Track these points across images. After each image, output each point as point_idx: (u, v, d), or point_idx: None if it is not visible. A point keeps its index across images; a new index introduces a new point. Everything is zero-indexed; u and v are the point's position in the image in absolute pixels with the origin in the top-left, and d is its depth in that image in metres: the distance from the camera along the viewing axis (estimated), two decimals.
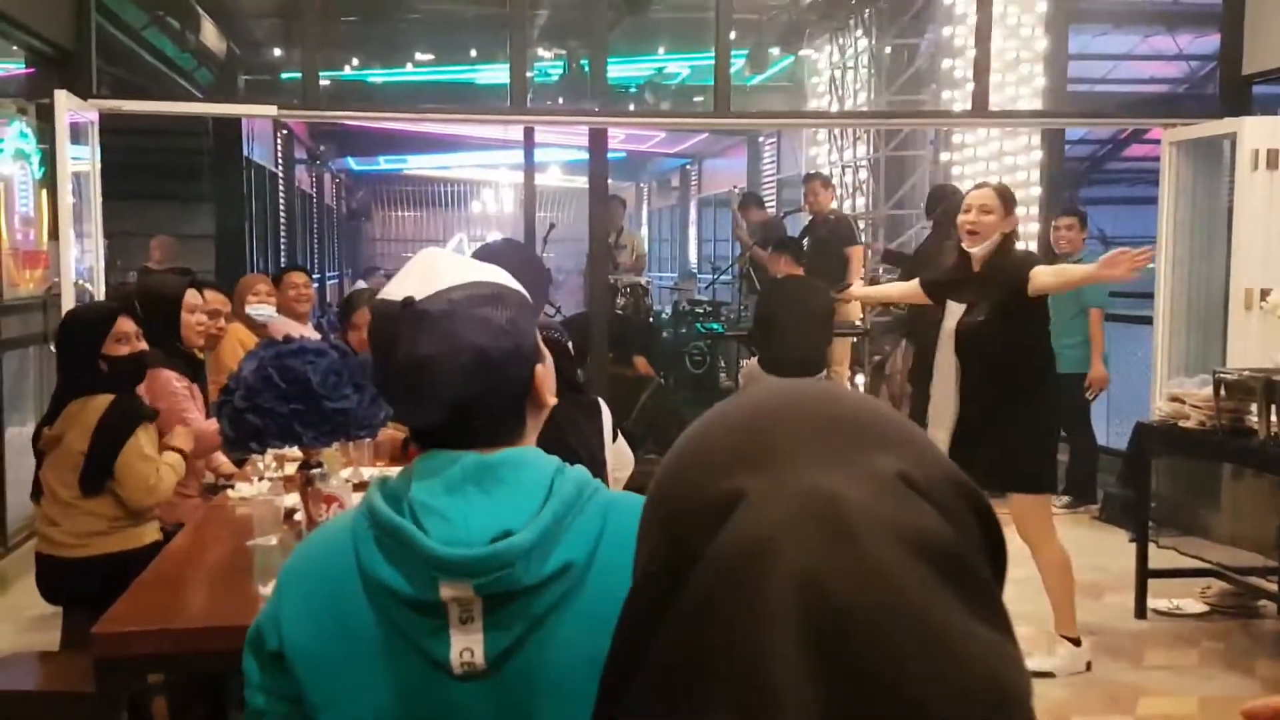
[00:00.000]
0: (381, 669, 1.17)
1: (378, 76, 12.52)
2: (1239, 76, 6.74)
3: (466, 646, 1.17)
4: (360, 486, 3.49)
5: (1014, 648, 0.53)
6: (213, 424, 3.29)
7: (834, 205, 8.64)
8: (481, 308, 1.26)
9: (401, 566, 1.17)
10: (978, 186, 4.48)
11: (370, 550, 1.19)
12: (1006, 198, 4.37)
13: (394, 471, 4.12)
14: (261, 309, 5.45)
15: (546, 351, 1.33)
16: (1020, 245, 7.85)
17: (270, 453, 3.44)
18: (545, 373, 1.32)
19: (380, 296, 1.29)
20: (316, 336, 4.70)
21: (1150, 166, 8.48)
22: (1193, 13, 9.36)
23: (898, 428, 0.59)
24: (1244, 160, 6.08)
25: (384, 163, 19.86)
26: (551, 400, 1.34)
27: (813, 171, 9.26)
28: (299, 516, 2.68)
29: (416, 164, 20.11)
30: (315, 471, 2.56)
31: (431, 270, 1.30)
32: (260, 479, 3.51)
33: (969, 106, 7.59)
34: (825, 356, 7.39)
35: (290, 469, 3.34)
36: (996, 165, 8.23)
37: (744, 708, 0.49)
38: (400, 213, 22.71)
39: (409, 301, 1.25)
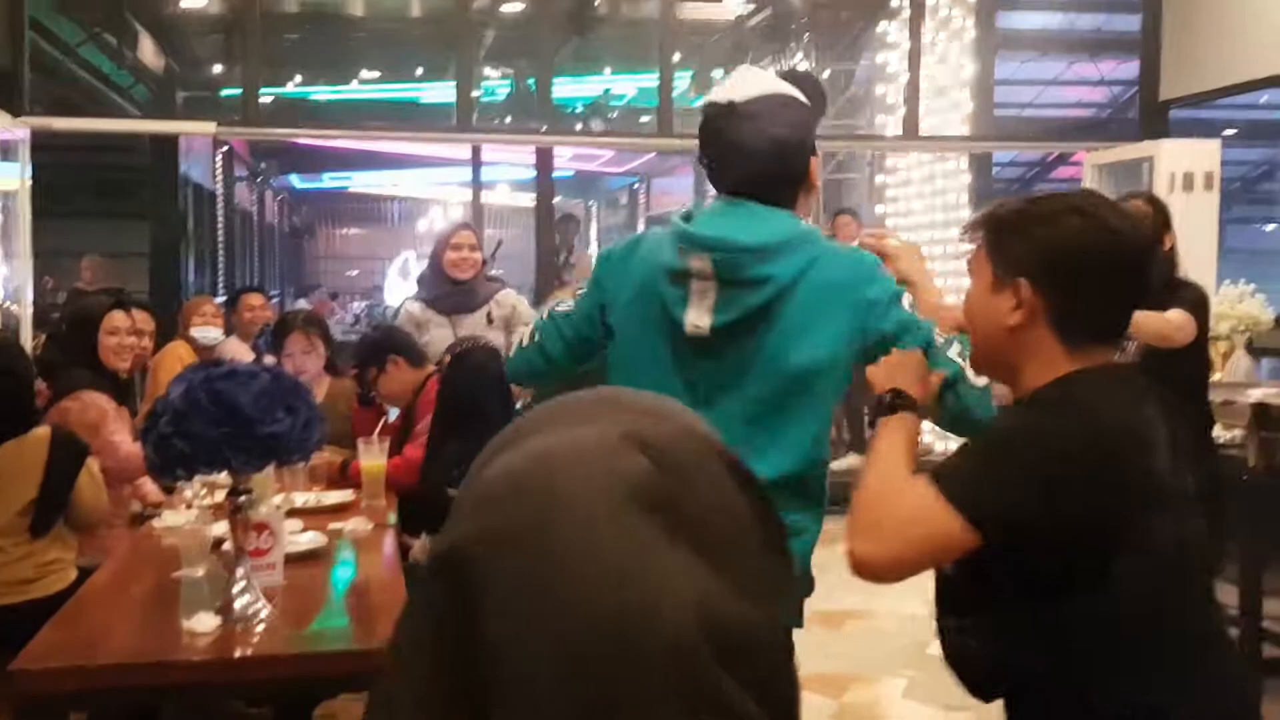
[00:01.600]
0: (644, 332, 1.92)
1: (322, 93, 12.39)
2: (1157, 102, 6.88)
3: (697, 315, 1.86)
4: (294, 513, 3.42)
5: (717, 580, 0.56)
6: (137, 448, 3.21)
7: None
8: (779, 110, 1.94)
9: (671, 248, 1.90)
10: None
11: (660, 242, 1.94)
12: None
13: (332, 496, 3.96)
14: (207, 331, 5.36)
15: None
16: (951, 266, 7.93)
17: (198, 480, 3.35)
18: (817, 162, 2.03)
19: (708, 99, 1.97)
20: (270, 360, 4.62)
21: (1074, 187, 8.62)
22: (1114, 41, 9.55)
23: (644, 402, 0.65)
24: (1162, 182, 6.21)
25: (328, 180, 19.66)
26: (818, 184, 2.08)
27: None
28: (227, 546, 2.61)
29: (362, 181, 19.93)
30: (244, 498, 2.49)
31: (746, 82, 1.95)
32: (188, 507, 3.42)
33: (901, 131, 7.66)
34: None
35: (220, 496, 3.27)
36: (928, 188, 8.32)
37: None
38: (345, 230, 22.51)
39: (730, 104, 1.92)
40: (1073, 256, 1.51)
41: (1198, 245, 6.13)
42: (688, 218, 1.93)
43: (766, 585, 0.60)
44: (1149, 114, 6.92)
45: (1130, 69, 9.72)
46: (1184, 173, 6.16)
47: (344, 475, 3.98)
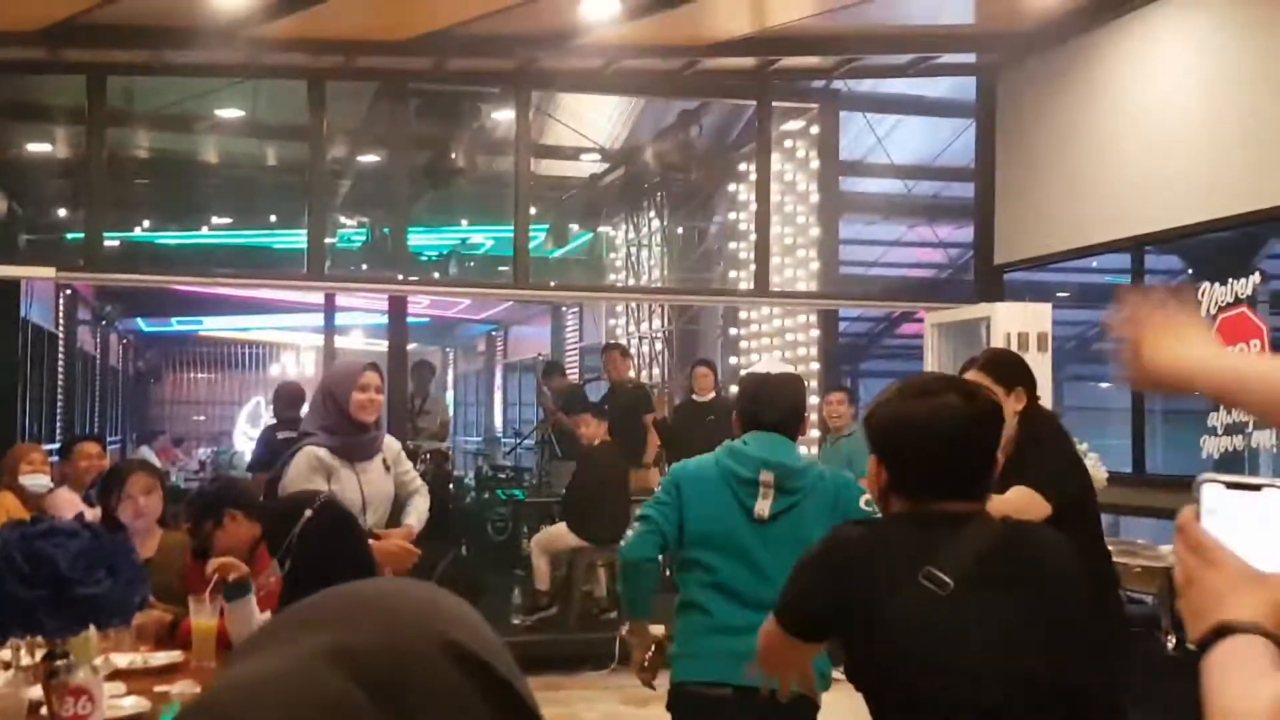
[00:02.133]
0: (723, 515, 2.97)
1: (171, 239, 12.23)
2: (991, 266, 7.30)
3: (762, 507, 2.97)
4: (117, 674, 3.26)
5: None
6: None
7: (632, 374, 8.81)
8: (793, 383, 3.33)
9: (742, 464, 3.01)
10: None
11: (726, 459, 3.03)
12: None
13: (160, 657, 3.81)
14: (37, 479, 5.16)
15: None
16: None
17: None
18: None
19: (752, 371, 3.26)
20: (93, 512, 4.45)
21: (919, 343, 9.01)
22: (951, 207, 10.12)
23: (355, 606, 0.56)
24: (998, 342, 6.53)
25: (177, 324, 19.23)
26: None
27: (611, 342, 9.46)
28: (44, 711, 2.47)
29: (212, 325, 19.57)
30: (60, 663, 2.38)
31: (775, 364, 3.55)
32: (6, 667, 3.23)
33: (752, 286, 7.94)
34: (628, 523, 7.44)
35: (39, 655, 3.10)
36: (780, 341, 8.58)
37: None
38: (194, 374, 21.95)
39: (767, 374, 3.34)
40: (886, 434, 1.97)
41: None
42: (745, 444, 3.09)
43: None
44: (984, 277, 7.34)
45: (965, 232, 10.33)
46: (1018, 333, 6.51)
47: (173, 635, 3.82)
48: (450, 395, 20.40)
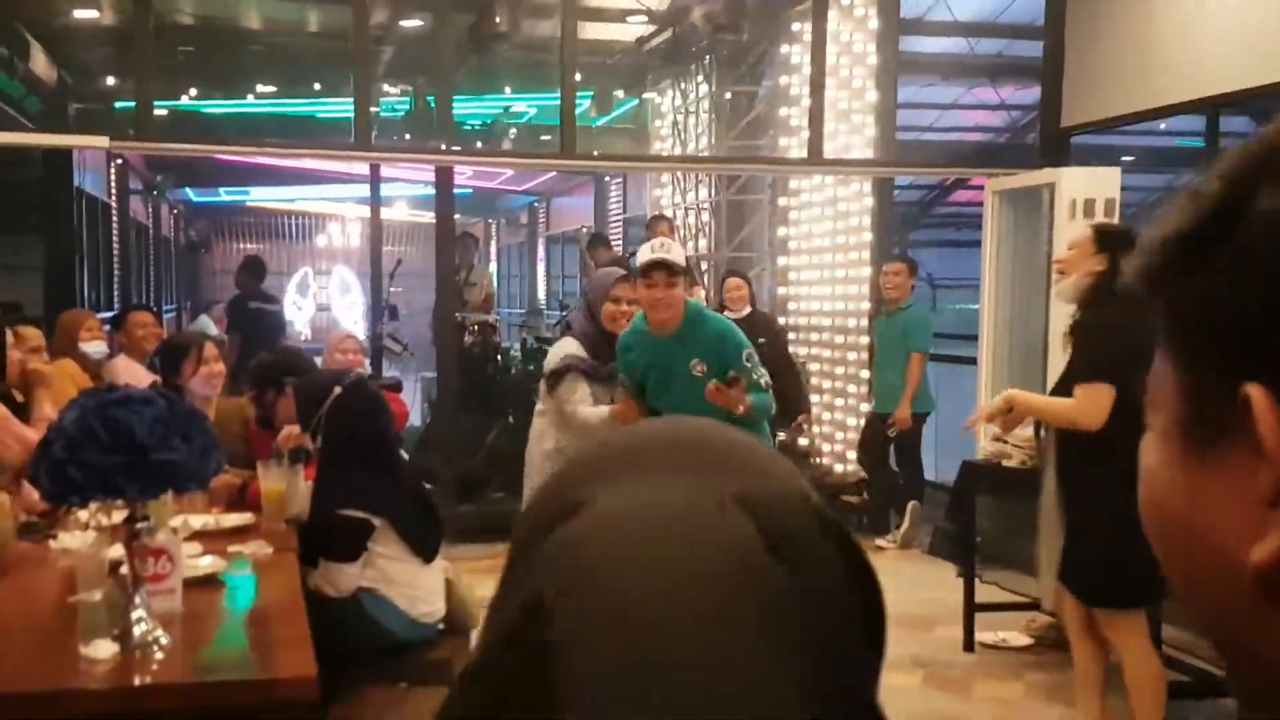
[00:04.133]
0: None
1: (217, 107, 12.19)
2: (1058, 129, 7.10)
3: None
4: (196, 537, 3.37)
5: (787, 684, 0.51)
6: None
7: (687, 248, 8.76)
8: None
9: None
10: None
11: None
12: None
13: (231, 519, 3.98)
14: (98, 345, 5.28)
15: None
16: (853, 290, 8.08)
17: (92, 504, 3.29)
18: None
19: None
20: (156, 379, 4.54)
21: (975, 211, 8.85)
22: (1015, 66, 9.82)
23: (747, 455, 0.60)
24: (1062, 209, 6.39)
25: (225, 194, 19.32)
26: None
27: (657, 214, 9.37)
28: (125, 570, 2.56)
29: (259, 196, 19.63)
30: (141, 525, 2.46)
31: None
32: (86, 528, 3.34)
33: (804, 154, 7.81)
34: None
35: (117, 516, 3.21)
36: (831, 211, 8.47)
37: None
38: (242, 245, 22.09)
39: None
40: None
41: None
42: None
43: (864, 690, 0.56)
44: (1049, 141, 7.15)
45: (1029, 94, 10.04)
46: (1084, 199, 6.36)
47: (242, 498, 3.94)
48: (493, 268, 20.45)
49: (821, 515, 0.57)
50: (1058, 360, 6.34)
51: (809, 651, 0.52)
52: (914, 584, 6.18)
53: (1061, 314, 6.36)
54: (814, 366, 8.72)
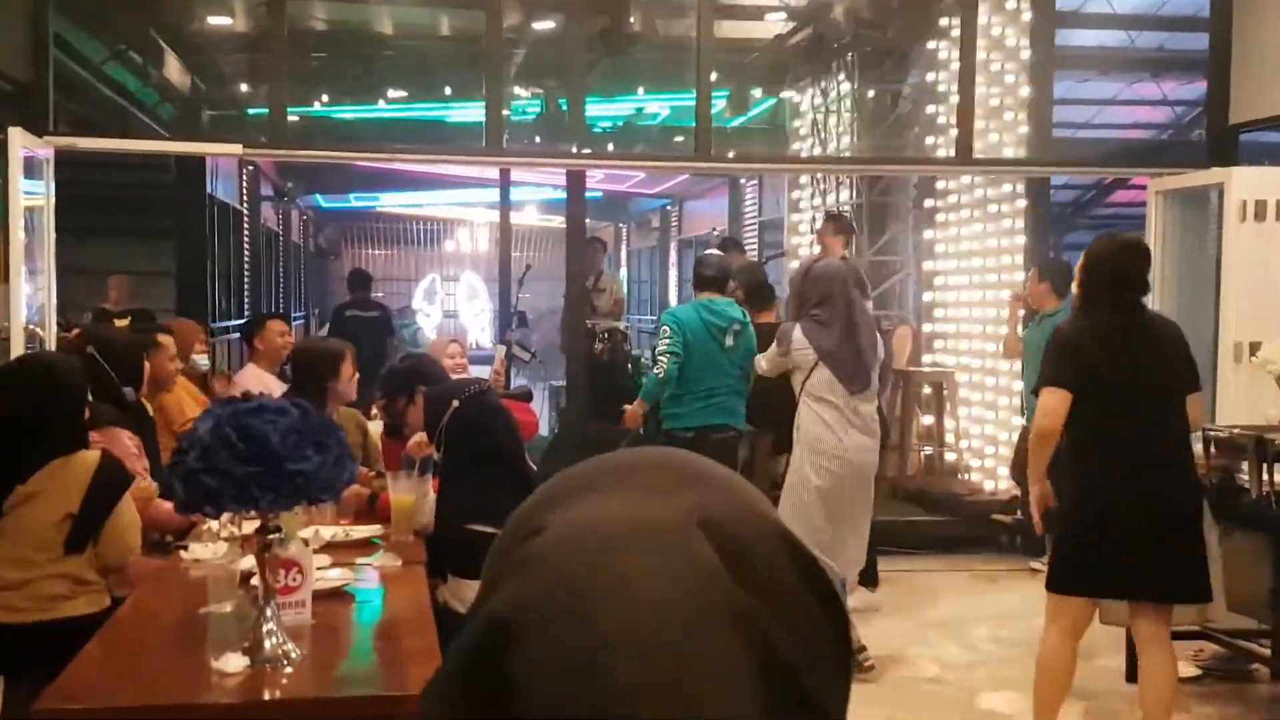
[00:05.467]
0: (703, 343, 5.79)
1: (348, 113, 12.53)
2: (1226, 125, 6.82)
3: (730, 339, 5.84)
4: (325, 548, 3.44)
5: (750, 710, 0.53)
6: (166, 506, 3.28)
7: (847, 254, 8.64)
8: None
9: (715, 316, 5.87)
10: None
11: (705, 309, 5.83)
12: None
13: (360, 531, 4.05)
14: (203, 358, 5.56)
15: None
16: (1004, 296, 7.86)
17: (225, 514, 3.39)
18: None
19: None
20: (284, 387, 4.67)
21: (1136, 212, 8.55)
22: (1178, 59, 9.49)
23: (710, 477, 0.63)
24: (1232, 211, 6.13)
25: (354, 200, 19.84)
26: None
27: (833, 211, 9.27)
28: (255, 581, 2.63)
29: (388, 201, 20.11)
30: (273, 536, 2.51)
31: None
32: (217, 540, 3.45)
33: (952, 153, 7.65)
34: None
35: (248, 528, 3.30)
36: (980, 213, 8.28)
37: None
38: (371, 250, 22.68)
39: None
40: None
41: (1272, 275, 6.08)
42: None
43: (832, 715, 0.58)
44: (1217, 138, 6.86)
45: (1193, 89, 9.67)
46: (1255, 200, 6.09)
47: (372, 509, 4.01)
48: (623, 273, 20.56)
49: (785, 539, 0.60)
50: (1229, 374, 6.08)
51: (772, 676, 0.54)
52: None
53: (1233, 323, 6.10)
54: (962, 378, 8.54)
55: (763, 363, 5.14)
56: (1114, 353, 3.88)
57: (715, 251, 9.03)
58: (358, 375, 4.55)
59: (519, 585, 0.57)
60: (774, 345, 4.99)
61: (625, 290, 15.95)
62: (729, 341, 5.87)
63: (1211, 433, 4.70)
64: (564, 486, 0.63)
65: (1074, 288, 4.15)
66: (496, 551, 0.63)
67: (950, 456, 8.46)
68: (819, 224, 9.75)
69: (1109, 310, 3.91)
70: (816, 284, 4.92)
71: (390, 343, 9.58)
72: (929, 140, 8.75)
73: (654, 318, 17.86)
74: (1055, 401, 3.91)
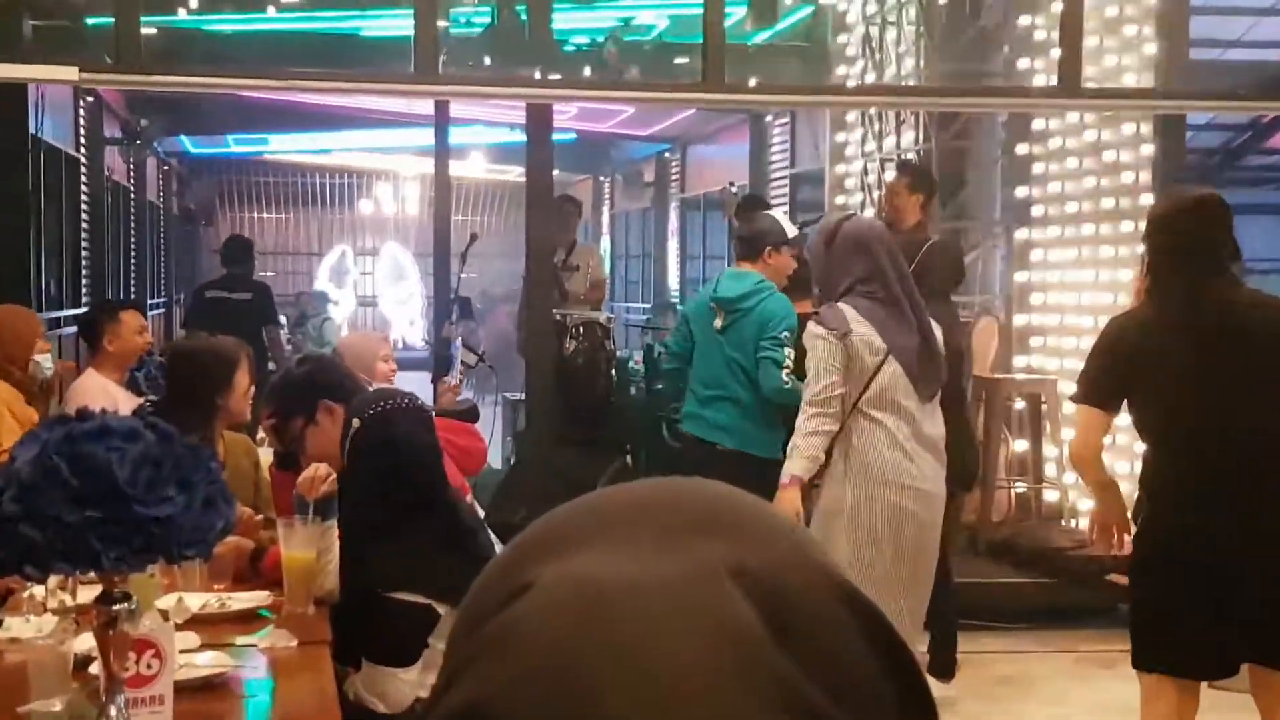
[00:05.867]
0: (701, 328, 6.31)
1: (226, 24, 12.51)
2: None
3: (719, 321, 6.15)
4: (193, 623, 3.43)
5: None
6: None
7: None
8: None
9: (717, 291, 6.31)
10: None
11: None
12: None
13: (242, 599, 4.06)
14: (45, 358, 5.50)
15: None
16: (1127, 276, 7.90)
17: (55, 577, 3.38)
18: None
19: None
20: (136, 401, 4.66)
21: None
22: None
23: (743, 516, 0.65)
24: None
25: (234, 144, 19.84)
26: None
27: (906, 160, 9.27)
28: (96, 669, 2.62)
29: (281, 145, 20.11)
30: (120, 607, 2.51)
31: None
32: (42, 612, 3.44)
33: (1054, 81, 7.68)
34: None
35: (85, 596, 3.29)
36: (1094, 163, 8.31)
37: None
38: (257, 213, 22.71)
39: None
40: None
41: None
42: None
43: None
44: None
45: None
46: None
47: (257, 569, 4.01)
48: (606, 245, 20.58)
49: (847, 594, 0.63)
50: None
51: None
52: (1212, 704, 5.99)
53: None
54: (1067, 389, 8.55)
55: (806, 382, 4.88)
56: (1167, 351, 4.02)
57: (760, 202, 9.06)
58: (253, 387, 4.56)
59: (497, 665, 0.59)
60: (819, 340, 4.78)
61: (608, 269, 15.96)
62: (717, 323, 6.10)
63: None
64: (550, 534, 0.66)
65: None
66: (464, 620, 0.64)
67: (1050, 496, 8.48)
68: (888, 177, 9.79)
69: (1170, 293, 4.06)
70: (860, 248, 4.84)
71: (267, 336, 9.52)
72: (1022, 64, 8.78)
73: (647, 306, 17.89)
74: (1085, 420, 4.21)
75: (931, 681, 5.79)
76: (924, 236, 7.96)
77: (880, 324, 4.78)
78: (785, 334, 5.85)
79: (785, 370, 5.80)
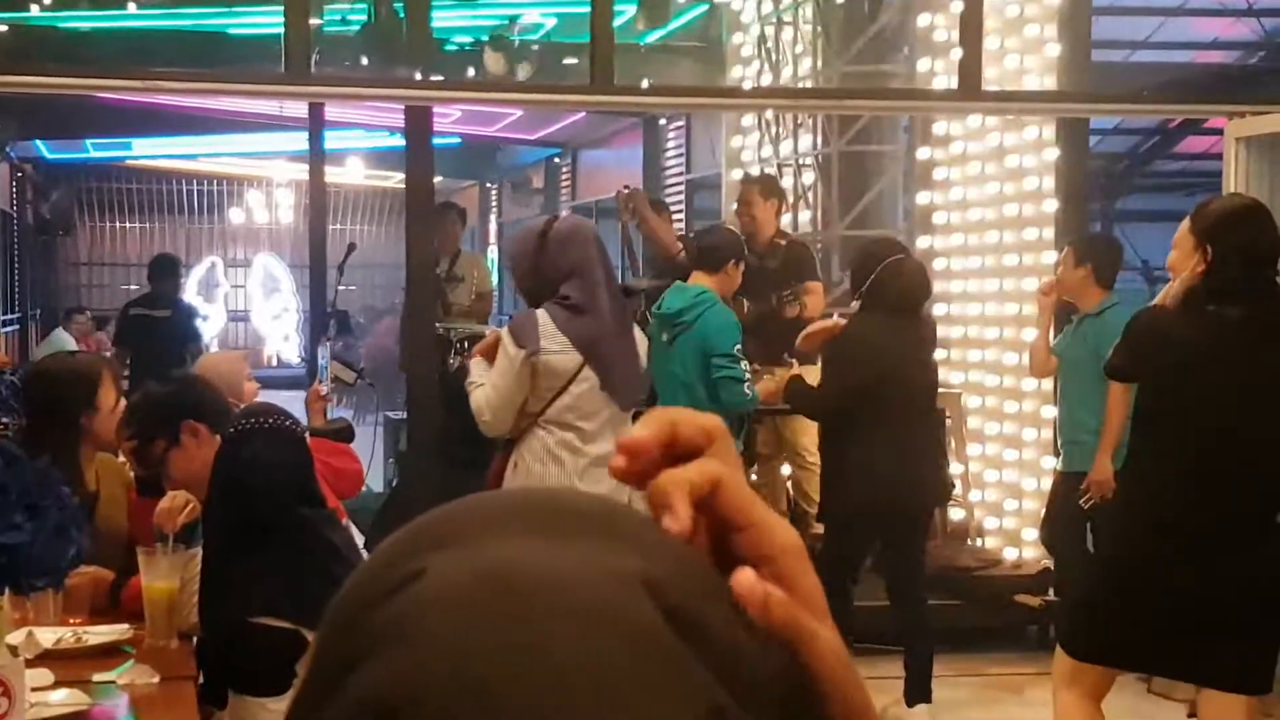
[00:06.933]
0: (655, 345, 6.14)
1: (82, 22, 12.36)
2: None
3: (665, 336, 6.39)
4: (45, 659, 3.39)
5: None
6: None
7: (785, 224, 8.74)
8: None
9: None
10: None
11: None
12: None
13: (100, 633, 4.03)
14: None
15: None
16: (1032, 286, 8.01)
17: None
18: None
19: None
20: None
21: (1213, 167, 8.76)
22: None
23: (640, 525, 0.67)
24: None
25: (93, 149, 19.57)
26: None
27: (752, 174, 9.36)
28: None
29: (145, 150, 19.87)
30: None
31: None
32: None
33: (955, 84, 7.77)
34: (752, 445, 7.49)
35: None
36: (996, 168, 8.41)
37: None
38: (121, 223, 22.42)
39: None
40: None
41: None
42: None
43: None
44: None
45: None
46: None
47: (115, 601, 3.97)
48: (492, 255, 20.55)
49: (720, 585, 0.65)
50: None
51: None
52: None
53: None
54: (974, 401, 8.66)
55: (483, 399, 4.99)
56: (1217, 350, 4.21)
57: (659, 205, 9.20)
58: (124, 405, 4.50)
59: (403, 653, 0.59)
60: (502, 351, 4.87)
61: (495, 279, 15.90)
62: (664, 337, 6.33)
63: None
64: (443, 524, 0.66)
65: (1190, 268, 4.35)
66: (348, 606, 0.64)
67: (956, 515, 8.58)
68: (786, 182, 9.87)
69: (1234, 293, 4.20)
70: (565, 249, 4.92)
71: (189, 355, 9.62)
72: (922, 66, 8.87)
73: None
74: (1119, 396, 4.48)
75: (912, 711, 5.97)
76: (788, 240, 8.18)
77: (578, 335, 4.87)
78: (737, 348, 6.22)
79: (746, 384, 6.23)
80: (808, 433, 7.68)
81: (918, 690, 6.09)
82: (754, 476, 7.66)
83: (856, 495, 6.00)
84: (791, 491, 8.18)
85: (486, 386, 4.94)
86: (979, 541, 8.46)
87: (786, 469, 8.24)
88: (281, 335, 22.23)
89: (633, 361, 5.04)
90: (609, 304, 4.94)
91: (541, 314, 4.83)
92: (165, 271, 10.96)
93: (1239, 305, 4.17)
